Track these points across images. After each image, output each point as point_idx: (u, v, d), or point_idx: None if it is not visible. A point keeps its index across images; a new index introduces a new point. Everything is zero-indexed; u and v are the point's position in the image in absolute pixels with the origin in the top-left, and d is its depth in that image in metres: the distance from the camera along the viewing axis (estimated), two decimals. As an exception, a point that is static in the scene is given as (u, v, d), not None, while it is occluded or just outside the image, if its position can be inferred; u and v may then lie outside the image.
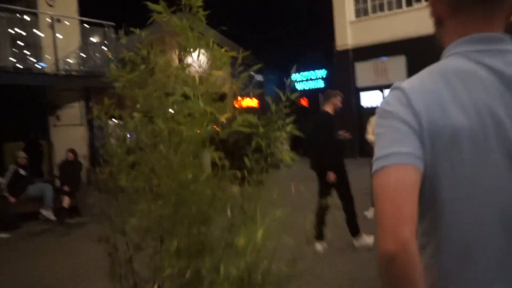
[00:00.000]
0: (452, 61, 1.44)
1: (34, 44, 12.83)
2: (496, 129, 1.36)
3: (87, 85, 13.65)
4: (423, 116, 1.36)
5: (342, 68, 22.13)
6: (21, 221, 10.83)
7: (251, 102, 24.53)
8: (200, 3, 3.18)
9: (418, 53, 15.83)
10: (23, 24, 12.70)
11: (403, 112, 1.38)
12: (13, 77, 11.96)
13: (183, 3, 3.18)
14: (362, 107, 21.83)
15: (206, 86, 3.04)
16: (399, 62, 20.16)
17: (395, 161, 1.33)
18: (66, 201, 11.22)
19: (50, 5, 14.37)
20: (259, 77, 24.98)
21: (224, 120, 3.02)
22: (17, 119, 13.53)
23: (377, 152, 1.38)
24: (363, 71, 21.71)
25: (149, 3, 3.11)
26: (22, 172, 11.34)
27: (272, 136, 3.18)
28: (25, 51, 12.63)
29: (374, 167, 1.38)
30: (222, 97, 3.22)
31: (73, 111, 15.08)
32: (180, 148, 2.92)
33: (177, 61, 3.27)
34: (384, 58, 20.81)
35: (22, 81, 12.02)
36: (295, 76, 27.75)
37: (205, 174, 2.81)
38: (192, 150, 2.89)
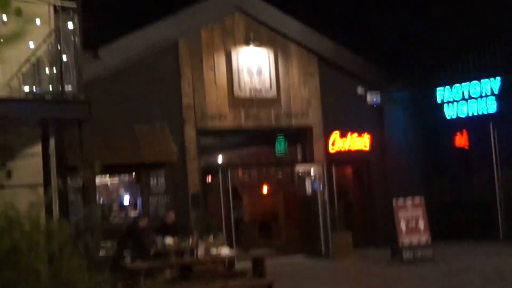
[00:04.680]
0: None
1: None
2: None
3: (54, 115, 8.70)
4: None
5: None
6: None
7: (357, 142, 16.12)
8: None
9: None
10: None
11: None
12: None
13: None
14: None
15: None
16: None
17: None
18: None
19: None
20: (374, 97, 16.08)
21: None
22: None
23: None
24: None
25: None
26: None
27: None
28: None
29: None
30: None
31: (35, 162, 9.08)
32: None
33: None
34: None
35: None
36: (442, 93, 16.48)
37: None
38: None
